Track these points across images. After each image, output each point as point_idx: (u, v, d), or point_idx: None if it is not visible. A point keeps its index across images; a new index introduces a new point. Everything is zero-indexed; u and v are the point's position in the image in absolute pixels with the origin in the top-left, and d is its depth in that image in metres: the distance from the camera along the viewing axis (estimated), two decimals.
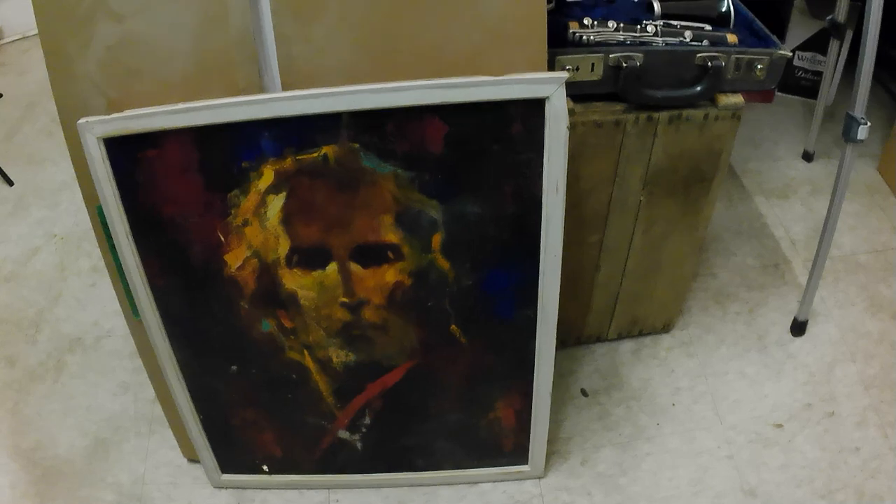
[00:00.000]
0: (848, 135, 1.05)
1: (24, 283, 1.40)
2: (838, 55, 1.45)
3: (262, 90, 0.80)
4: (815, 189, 1.52)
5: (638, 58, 0.90)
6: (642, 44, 0.92)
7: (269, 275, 0.89)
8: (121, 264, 0.89)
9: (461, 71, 0.78)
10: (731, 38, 0.96)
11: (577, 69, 0.89)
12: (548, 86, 0.77)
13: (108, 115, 0.81)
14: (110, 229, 0.86)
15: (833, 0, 1.36)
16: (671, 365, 1.21)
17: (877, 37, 0.98)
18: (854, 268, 1.36)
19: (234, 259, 0.88)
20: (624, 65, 0.89)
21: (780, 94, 1.71)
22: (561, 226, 0.84)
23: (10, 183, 1.65)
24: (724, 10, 0.99)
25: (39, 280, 1.41)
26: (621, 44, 0.92)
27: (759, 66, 0.94)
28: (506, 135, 0.79)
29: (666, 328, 1.25)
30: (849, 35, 1.44)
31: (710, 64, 0.91)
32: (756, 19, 1.01)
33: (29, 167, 1.69)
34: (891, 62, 1.60)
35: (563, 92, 0.77)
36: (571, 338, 1.24)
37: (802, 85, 1.70)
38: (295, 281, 0.89)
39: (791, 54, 0.96)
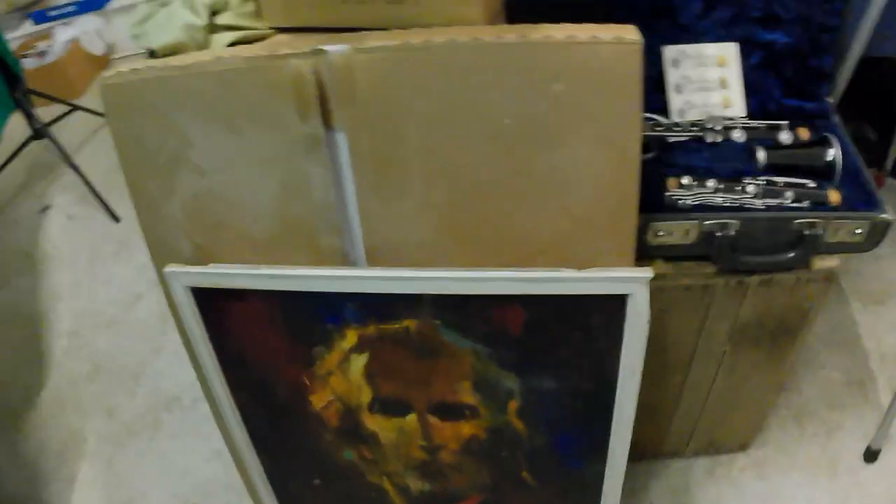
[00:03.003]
0: None
1: (127, 331, 1.47)
2: None
3: (345, 259, 0.80)
4: None
5: (734, 225, 0.84)
6: (741, 207, 0.87)
7: (352, 416, 0.90)
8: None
9: (545, 255, 0.76)
10: (834, 196, 0.89)
11: (671, 234, 0.85)
12: (630, 284, 0.74)
13: (196, 257, 0.83)
14: (199, 361, 0.90)
15: None
16: (743, 487, 1.17)
17: None
18: None
19: (319, 400, 0.90)
20: (719, 234, 0.84)
21: (891, 179, 1.57)
22: (634, 402, 0.82)
23: (117, 219, 1.72)
24: (829, 159, 0.91)
25: (142, 329, 1.47)
26: (719, 208, 0.86)
27: (858, 231, 0.88)
28: (585, 324, 0.76)
29: (743, 447, 1.21)
30: None
31: (807, 232, 0.85)
32: (863, 169, 0.92)
33: None
34: None
35: (645, 290, 0.74)
36: (648, 453, 1.21)
37: None
38: (376, 423, 0.90)
39: (892, 219, 0.88)
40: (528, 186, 0.74)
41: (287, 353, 0.86)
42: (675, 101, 0.96)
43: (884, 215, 0.87)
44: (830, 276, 0.91)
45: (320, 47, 0.70)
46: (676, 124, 0.94)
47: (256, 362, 0.88)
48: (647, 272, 0.74)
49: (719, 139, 0.94)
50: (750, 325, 0.94)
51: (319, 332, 0.83)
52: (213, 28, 0.81)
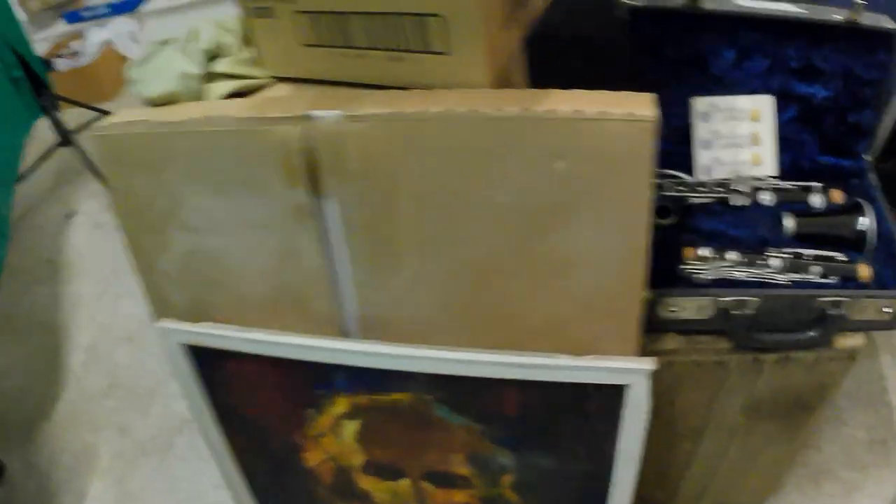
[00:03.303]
0: None
1: (145, 348, 1.47)
2: None
3: (337, 327, 0.77)
4: None
5: (752, 304, 0.78)
6: (762, 283, 0.81)
7: (345, 476, 0.88)
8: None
9: (544, 337, 0.71)
10: (864, 271, 0.82)
11: (685, 309, 0.80)
12: (629, 375, 0.69)
13: (190, 311, 0.80)
14: (194, 411, 0.88)
15: None
16: None
17: None
18: None
19: (312, 458, 0.87)
20: (735, 312, 0.78)
21: None
22: (631, 487, 0.78)
23: None
24: (861, 229, 0.84)
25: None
26: (738, 283, 0.80)
27: (887, 310, 0.81)
28: (582, 410, 0.72)
29: None
30: None
31: (830, 312, 0.78)
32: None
33: None
34: None
35: (646, 381, 0.69)
36: None
37: None
38: (370, 484, 0.87)
39: None
40: (528, 266, 0.69)
41: (279, 412, 0.84)
42: (702, 157, 0.89)
43: None
44: (853, 355, 0.84)
45: (310, 113, 0.66)
46: (701, 184, 0.88)
47: (250, 416, 0.86)
48: (648, 364, 0.69)
49: (746, 202, 0.87)
50: (765, 400, 0.88)
51: (310, 397, 0.80)
52: (211, 76, 0.78)
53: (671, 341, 0.81)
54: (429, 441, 0.79)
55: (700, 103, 0.88)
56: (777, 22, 0.85)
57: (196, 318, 0.81)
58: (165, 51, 0.79)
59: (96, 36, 2.02)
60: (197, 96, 0.77)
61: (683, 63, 0.88)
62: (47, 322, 1.51)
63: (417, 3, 0.65)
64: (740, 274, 0.80)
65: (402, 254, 0.70)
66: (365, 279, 0.73)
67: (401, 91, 0.69)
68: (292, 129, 0.66)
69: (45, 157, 1.79)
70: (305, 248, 0.72)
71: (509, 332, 0.72)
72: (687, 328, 0.82)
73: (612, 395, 0.70)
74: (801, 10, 0.85)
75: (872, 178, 0.92)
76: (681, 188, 0.87)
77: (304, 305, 0.76)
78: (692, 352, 0.82)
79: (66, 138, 1.72)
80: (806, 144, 0.92)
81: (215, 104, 0.74)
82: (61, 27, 2.21)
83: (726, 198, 0.87)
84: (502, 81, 0.71)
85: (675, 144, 0.91)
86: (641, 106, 0.61)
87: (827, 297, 0.78)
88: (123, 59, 2.09)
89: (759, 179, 0.89)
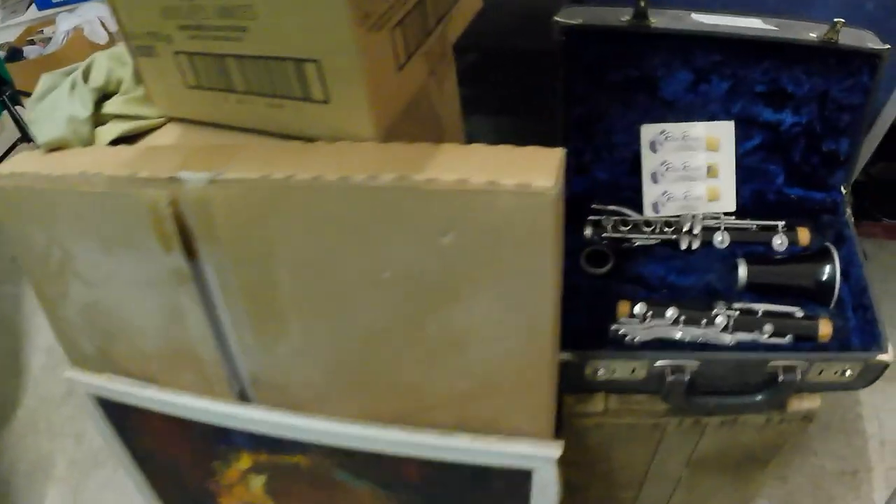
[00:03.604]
0: None
1: None
2: None
3: (232, 388, 0.71)
4: None
5: (691, 367, 0.70)
6: (703, 345, 0.72)
7: None
8: None
9: (444, 410, 0.64)
10: (825, 328, 0.73)
11: (614, 371, 0.72)
12: (533, 461, 0.62)
13: (97, 358, 0.76)
14: (113, 454, 0.85)
15: None
16: None
17: None
18: None
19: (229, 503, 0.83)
20: (671, 377, 0.70)
21: None
22: None
23: None
24: (825, 279, 0.74)
25: None
26: (676, 345, 0.72)
27: (847, 373, 0.72)
28: (489, 488, 0.66)
29: None
30: None
31: (782, 377, 0.70)
32: (868, 287, 0.75)
33: None
34: None
35: (552, 468, 0.62)
36: None
37: None
38: None
39: (892, 360, 0.72)
40: (420, 342, 0.61)
41: (190, 462, 0.79)
42: (650, 191, 0.80)
43: (882, 356, 0.71)
44: (810, 416, 0.76)
45: (178, 175, 0.59)
46: (647, 222, 0.79)
47: (165, 462, 0.82)
48: (553, 449, 0.62)
49: (696, 244, 0.78)
50: (710, 457, 0.80)
51: (214, 451, 0.75)
52: (102, 117, 0.71)
53: (601, 402, 0.74)
54: (336, 500, 0.74)
55: (648, 131, 0.78)
56: (740, 42, 0.74)
57: (103, 366, 0.77)
58: (57, 89, 0.73)
59: (65, 22, 1.94)
60: (87, 140, 0.70)
61: (629, 86, 0.78)
62: (10, 322, 1.49)
63: (291, 46, 0.57)
64: (680, 333, 0.72)
65: (287, 321, 0.64)
66: (250, 344, 0.66)
67: (279, 144, 0.61)
68: (160, 194, 0.59)
69: (6, 154, 1.74)
70: (189, 311, 0.66)
71: (409, 405, 0.65)
72: (620, 387, 0.74)
73: (517, 478, 0.63)
74: (769, 28, 0.74)
75: (848, 213, 0.82)
76: (623, 228, 0.78)
77: (197, 366, 0.70)
78: (625, 413, 0.75)
79: (27, 134, 1.67)
80: (772, 175, 0.82)
81: (98, 154, 0.68)
82: (33, 12, 2.13)
83: (675, 239, 0.78)
84: (406, 124, 0.63)
85: (624, 176, 0.82)
86: (542, 171, 0.52)
87: (778, 361, 0.70)
88: (92, 45, 2.01)
89: (715, 218, 0.79)
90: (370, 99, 0.57)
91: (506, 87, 0.92)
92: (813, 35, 0.73)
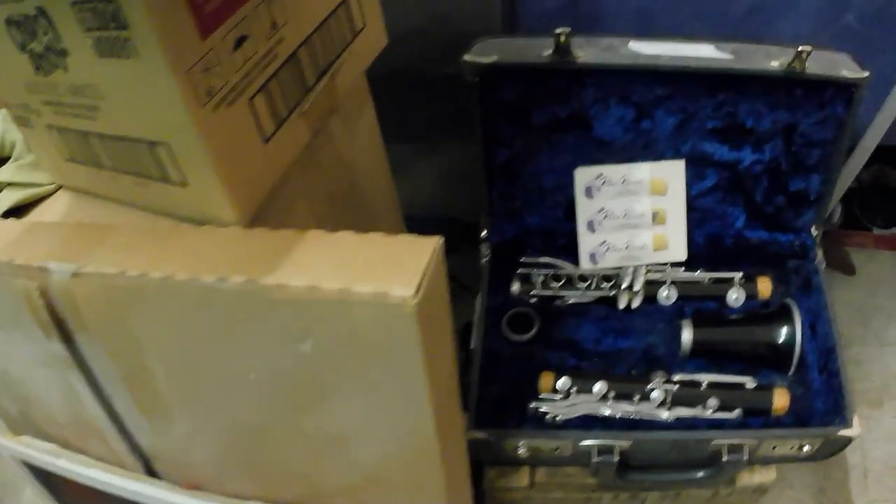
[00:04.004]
0: None
1: None
2: None
3: (137, 461, 0.67)
4: None
5: (621, 447, 0.63)
6: (637, 422, 0.64)
7: None
8: None
9: (344, 497, 0.60)
10: (780, 400, 0.64)
11: (537, 449, 0.65)
12: None
13: (19, 420, 0.74)
14: None
15: None
16: None
17: None
18: None
19: None
20: (597, 459, 0.63)
21: None
22: None
23: None
24: (782, 342, 0.65)
25: None
26: (606, 422, 0.65)
27: (805, 448, 0.64)
28: None
29: None
30: None
31: (726, 458, 0.62)
32: (836, 347, 0.66)
33: None
34: None
35: None
36: None
37: None
38: None
39: (855, 434, 0.63)
40: (299, 436, 0.55)
41: None
42: (587, 241, 0.71)
43: (845, 431, 0.63)
44: (763, 489, 0.69)
45: (46, 265, 0.54)
46: (582, 277, 0.70)
47: None
48: None
49: (637, 302, 0.70)
50: None
51: None
52: None
53: (525, 476, 0.68)
54: None
55: (583, 175, 0.69)
56: (687, 76, 0.64)
57: (26, 428, 0.75)
58: None
59: None
60: None
61: (557, 127, 0.68)
62: None
63: (139, 127, 0.51)
64: (609, 410, 0.64)
65: (171, 408, 0.59)
66: (143, 426, 0.62)
67: (148, 229, 0.56)
68: (31, 284, 0.55)
69: None
70: (80, 391, 0.62)
71: (305, 491, 0.61)
72: (546, 461, 0.68)
73: None
74: (722, 57, 0.64)
75: (819, 257, 0.72)
76: (554, 284, 0.70)
77: (102, 437, 0.67)
78: (554, 487, 0.68)
79: None
80: (730, 217, 0.73)
81: None
82: None
83: (613, 297, 0.70)
84: (308, 174, 0.60)
85: (558, 221, 0.73)
86: (405, 274, 0.45)
87: (722, 440, 0.62)
88: None
89: (661, 270, 0.70)
90: (226, 183, 0.51)
91: (432, 112, 0.84)
92: (775, 64, 0.63)
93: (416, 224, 0.87)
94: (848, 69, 0.63)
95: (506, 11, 0.72)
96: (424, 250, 0.47)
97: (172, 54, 0.44)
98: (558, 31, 0.60)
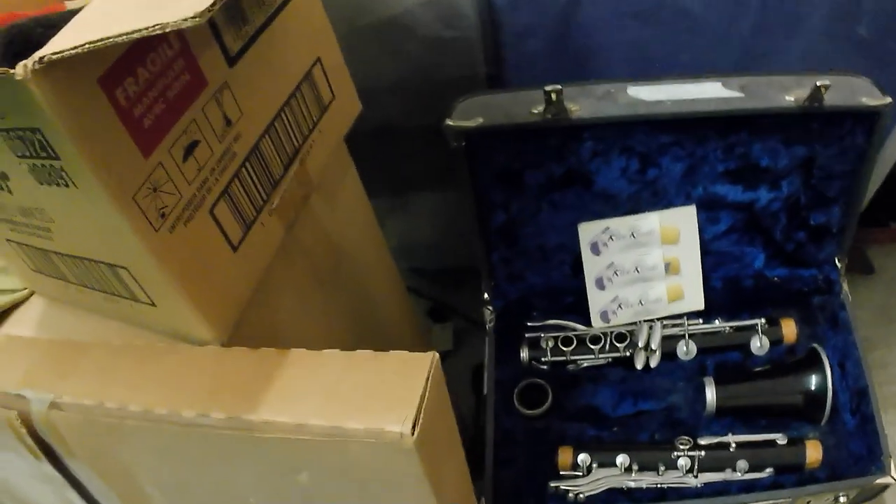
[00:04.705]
0: None
1: None
2: None
3: None
4: None
5: None
6: (664, 491, 0.60)
7: None
8: None
9: None
10: (813, 454, 0.60)
11: None
12: None
13: None
14: None
15: None
16: None
17: None
18: None
19: None
20: None
21: None
22: None
23: None
24: (813, 391, 0.60)
25: None
26: (632, 494, 0.60)
27: (842, 500, 0.59)
28: None
29: None
30: None
31: None
32: (868, 389, 0.61)
33: None
34: None
35: None
36: None
37: None
38: None
39: (893, 482, 0.58)
40: None
41: None
42: (597, 300, 0.66)
43: (882, 480, 0.58)
44: None
45: (22, 393, 0.50)
46: (595, 338, 0.66)
47: None
48: None
49: (655, 361, 0.65)
50: None
51: None
52: None
53: None
54: None
55: (587, 230, 0.65)
56: (694, 120, 0.58)
57: None
58: None
59: None
60: None
61: (555, 186, 0.64)
62: None
63: (94, 251, 0.46)
64: (634, 483, 0.60)
65: None
66: None
67: (122, 350, 0.51)
68: (11, 413, 0.51)
69: None
70: None
71: None
72: None
73: None
74: (731, 94, 0.58)
75: (844, 290, 0.67)
76: (565, 347, 0.65)
77: None
78: None
79: None
80: (748, 259, 0.68)
81: None
82: None
83: (629, 356, 0.65)
84: (291, 257, 0.56)
85: (565, 279, 0.68)
86: (399, 405, 0.41)
87: (756, 502, 0.58)
88: None
89: (678, 324, 0.65)
90: (196, 305, 0.47)
91: (419, 164, 0.79)
92: (790, 98, 0.57)
93: (416, 274, 0.82)
94: (868, 96, 0.58)
95: (489, 56, 0.66)
96: (419, 371, 0.43)
97: (112, 181, 0.39)
98: (548, 88, 0.54)
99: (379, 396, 0.43)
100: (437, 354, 0.45)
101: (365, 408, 0.42)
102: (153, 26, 0.32)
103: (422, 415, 0.41)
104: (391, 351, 0.46)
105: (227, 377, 0.47)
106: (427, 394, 0.42)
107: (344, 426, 0.41)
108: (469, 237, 0.65)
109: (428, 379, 0.43)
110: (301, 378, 0.45)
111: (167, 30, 0.32)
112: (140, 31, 0.33)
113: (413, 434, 0.40)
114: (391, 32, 0.68)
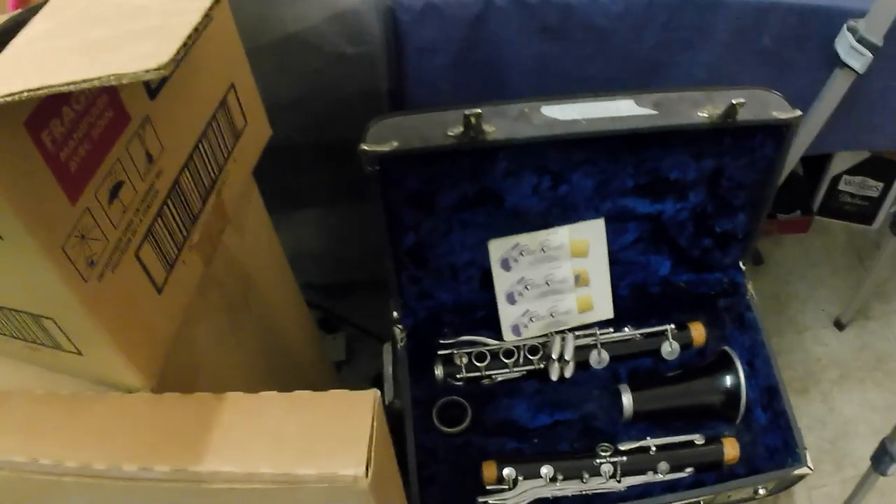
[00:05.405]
0: None
1: None
2: None
3: None
4: (843, 375, 1.20)
5: None
6: (590, 499, 0.68)
7: None
8: None
9: None
10: (731, 451, 0.69)
11: None
12: None
13: None
14: None
15: None
16: None
17: None
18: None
19: None
20: None
21: (818, 217, 1.33)
22: None
23: None
24: (727, 391, 0.71)
25: None
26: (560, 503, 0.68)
27: (761, 491, 0.70)
28: None
29: None
30: None
31: None
32: (778, 385, 0.70)
33: None
34: None
35: None
36: None
37: (847, 210, 1.32)
38: None
39: (808, 472, 0.70)
40: None
41: None
42: (508, 314, 0.72)
43: (800, 470, 0.67)
44: None
45: None
46: (508, 352, 0.72)
47: None
48: None
49: (570, 371, 0.73)
50: None
51: None
52: None
53: None
54: None
55: (497, 247, 0.70)
56: (608, 138, 0.65)
57: None
58: None
59: None
60: None
61: (466, 206, 0.68)
62: None
63: (18, 302, 0.46)
64: (560, 492, 0.68)
65: None
66: None
67: (47, 400, 0.51)
68: None
69: None
70: None
71: None
72: None
73: None
74: (645, 113, 0.65)
75: (749, 291, 0.76)
76: (479, 363, 0.71)
77: None
78: None
79: None
80: (653, 266, 0.76)
81: None
82: None
83: (543, 369, 0.72)
84: (207, 294, 0.59)
85: (474, 293, 0.74)
86: (350, 446, 0.45)
87: (679, 501, 0.67)
88: None
89: (589, 334, 0.74)
90: (124, 352, 0.48)
91: (310, 179, 0.82)
92: (703, 114, 0.64)
93: (304, 286, 0.85)
94: (778, 109, 0.66)
95: (392, 72, 0.71)
96: (363, 410, 0.46)
97: (40, 231, 0.39)
98: (467, 112, 0.59)
99: (326, 439, 0.46)
100: (378, 392, 0.50)
101: (314, 452, 0.45)
102: (107, 76, 0.31)
103: (372, 455, 0.46)
104: (330, 390, 0.50)
105: (166, 426, 0.48)
106: (374, 433, 0.47)
107: (295, 472, 0.44)
108: (381, 253, 0.68)
109: (373, 418, 0.47)
110: (243, 423, 0.48)
111: (123, 81, 0.31)
112: (91, 80, 0.31)
113: (367, 476, 0.44)
114: (294, 49, 0.69)
